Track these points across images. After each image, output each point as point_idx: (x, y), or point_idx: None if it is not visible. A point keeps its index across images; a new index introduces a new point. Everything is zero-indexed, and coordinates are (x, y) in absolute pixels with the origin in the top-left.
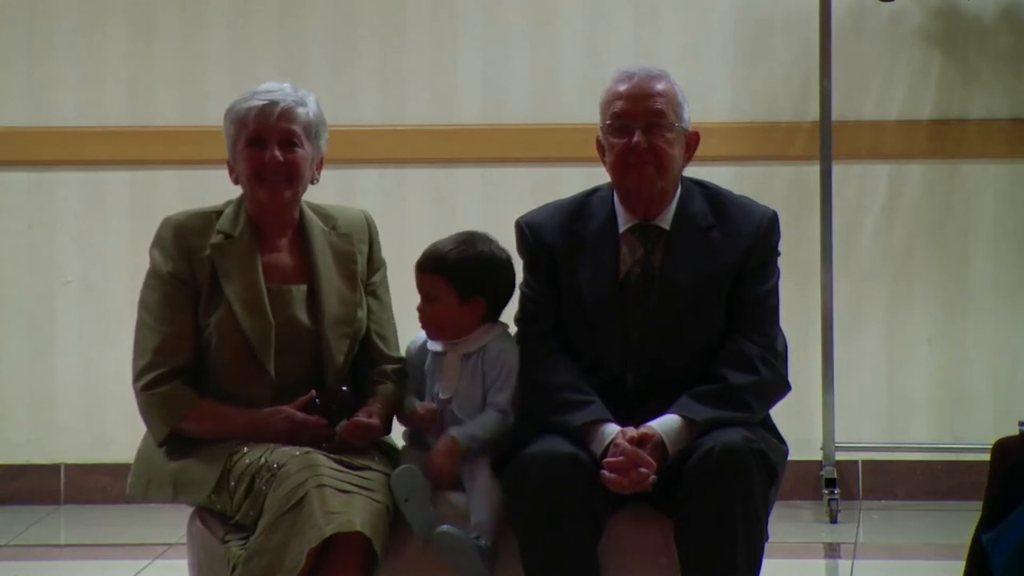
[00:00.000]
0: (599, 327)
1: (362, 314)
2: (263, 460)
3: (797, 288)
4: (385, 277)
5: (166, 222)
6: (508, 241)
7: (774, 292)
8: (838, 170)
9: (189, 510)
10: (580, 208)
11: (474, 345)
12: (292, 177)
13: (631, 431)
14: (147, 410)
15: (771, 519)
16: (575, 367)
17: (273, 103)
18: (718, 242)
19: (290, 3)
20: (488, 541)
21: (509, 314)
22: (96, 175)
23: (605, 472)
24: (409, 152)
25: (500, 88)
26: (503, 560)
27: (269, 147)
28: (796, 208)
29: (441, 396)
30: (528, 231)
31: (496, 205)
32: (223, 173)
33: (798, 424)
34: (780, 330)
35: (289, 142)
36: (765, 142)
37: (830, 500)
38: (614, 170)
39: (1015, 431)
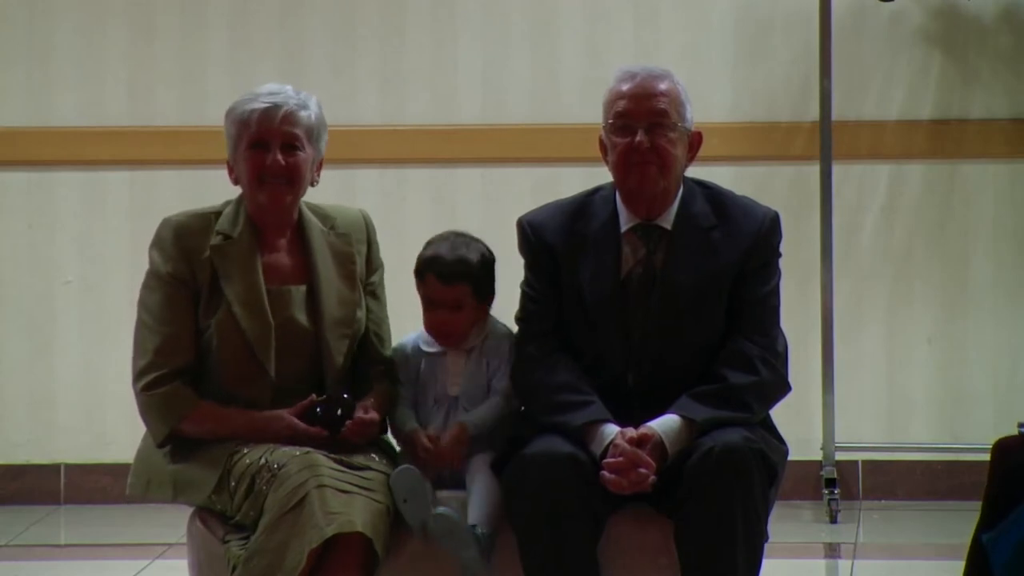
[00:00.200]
0: (600, 327)
1: (361, 314)
2: (263, 460)
3: (797, 288)
4: (383, 277)
5: (165, 223)
6: (508, 241)
7: (775, 293)
8: (838, 170)
9: (189, 510)
10: (582, 208)
11: (476, 340)
12: (293, 180)
13: (630, 431)
14: (147, 411)
15: (771, 519)
16: (575, 367)
17: (276, 106)
18: (719, 242)
19: (290, 3)
20: (485, 530)
21: (509, 313)
22: (96, 175)
23: (605, 473)
24: (409, 152)
25: (500, 88)
26: (503, 560)
27: (271, 150)
28: (796, 208)
29: (450, 394)
30: (530, 230)
31: (496, 205)
32: (223, 173)
33: (798, 424)
34: (780, 330)
35: (291, 145)
36: (765, 142)
37: (830, 500)
38: (616, 169)
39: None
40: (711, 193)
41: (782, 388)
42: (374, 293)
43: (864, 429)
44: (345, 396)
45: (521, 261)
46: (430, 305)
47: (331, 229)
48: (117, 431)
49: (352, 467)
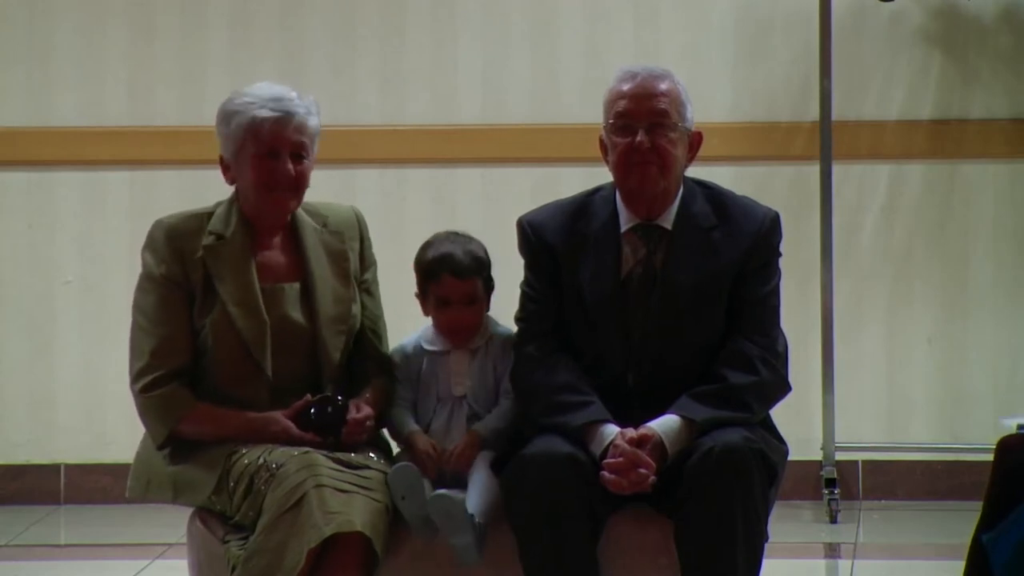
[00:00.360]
0: (600, 327)
1: (356, 310)
2: (262, 460)
3: (797, 288)
4: (376, 274)
5: (157, 224)
6: (508, 241)
7: (775, 293)
8: (838, 170)
9: (189, 510)
10: (582, 207)
11: (481, 339)
12: (300, 188)
13: (630, 432)
14: (146, 412)
15: (771, 519)
16: (575, 367)
17: (288, 115)
18: (720, 242)
19: (290, 3)
20: (481, 521)
21: (509, 314)
22: (96, 175)
23: (604, 473)
24: (409, 152)
25: (500, 88)
26: (503, 560)
27: (281, 159)
28: (796, 208)
29: (454, 394)
30: (530, 230)
31: (496, 205)
32: None
33: (798, 424)
34: (781, 331)
35: (299, 154)
36: (765, 142)
37: (830, 500)
38: (617, 169)
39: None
40: (711, 193)
41: (782, 388)
42: (368, 290)
43: (864, 429)
44: (339, 398)
45: (521, 261)
46: (444, 304)
47: (324, 227)
48: (117, 431)
49: (350, 466)
